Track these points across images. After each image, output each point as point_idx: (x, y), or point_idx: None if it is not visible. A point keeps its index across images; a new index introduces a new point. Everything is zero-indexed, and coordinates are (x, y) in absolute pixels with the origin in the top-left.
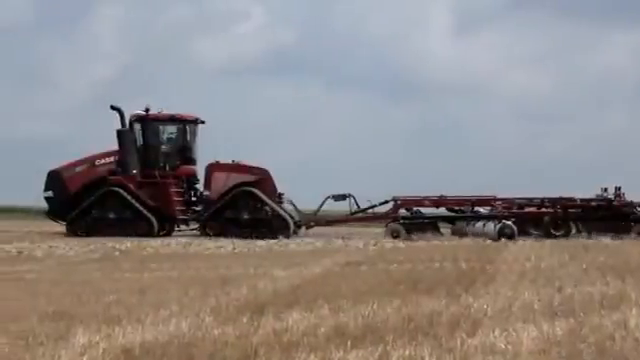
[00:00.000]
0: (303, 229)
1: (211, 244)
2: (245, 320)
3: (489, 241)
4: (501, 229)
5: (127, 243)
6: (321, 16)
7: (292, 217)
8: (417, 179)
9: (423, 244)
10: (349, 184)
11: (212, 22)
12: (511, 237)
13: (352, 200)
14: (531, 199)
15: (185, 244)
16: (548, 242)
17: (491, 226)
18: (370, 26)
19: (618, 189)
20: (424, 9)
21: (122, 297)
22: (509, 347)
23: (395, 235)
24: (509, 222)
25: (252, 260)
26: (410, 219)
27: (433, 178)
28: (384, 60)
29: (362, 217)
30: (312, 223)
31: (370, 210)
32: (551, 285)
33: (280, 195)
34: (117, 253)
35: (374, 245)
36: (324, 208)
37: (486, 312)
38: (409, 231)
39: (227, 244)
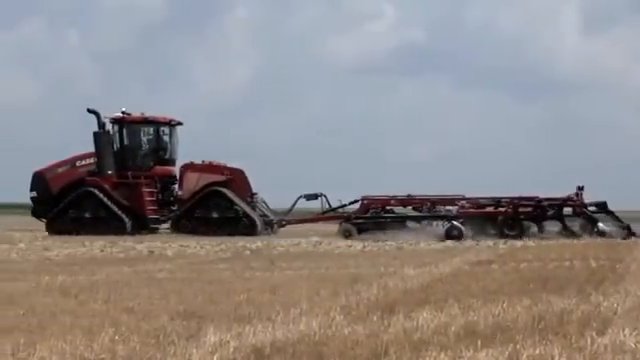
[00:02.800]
0: (275, 227)
1: (341, 243)
2: (375, 319)
3: (619, 239)
4: (448, 230)
5: (257, 242)
6: (451, 15)
7: (267, 216)
8: (545, 175)
9: (552, 243)
10: (477, 181)
11: (345, 21)
12: (459, 238)
13: (324, 199)
14: (495, 199)
15: (315, 243)
16: None
17: (440, 226)
18: (500, 24)
19: (580, 189)
20: (552, 7)
21: (253, 296)
22: (639, 346)
23: (347, 235)
24: (457, 223)
25: (382, 259)
26: (365, 219)
27: (560, 174)
28: (513, 58)
29: (331, 216)
30: (284, 222)
31: (340, 209)
32: None
33: (252, 195)
34: (247, 252)
35: (504, 244)
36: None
37: (616, 311)
38: (361, 231)
39: (357, 243)
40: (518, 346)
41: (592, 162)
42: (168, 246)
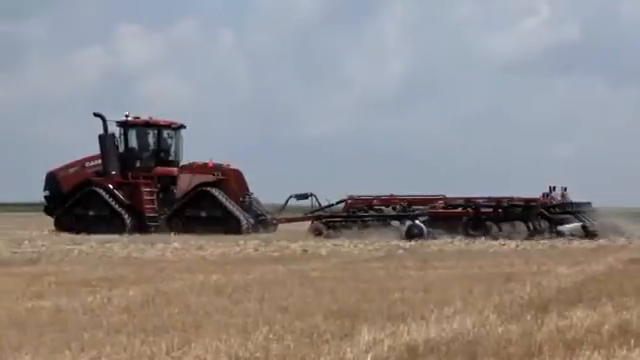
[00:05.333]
0: (270, 226)
1: (495, 242)
2: (529, 318)
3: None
4: (409, 228)
5: (411, 241)
6: (607, 11)
7: (263, 215)
8: None
9: None
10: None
11: (499, 18)
12: (419, 237)
13: (314, 199)
14: (467, 199)
15: (468, 242)
16: None
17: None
18: None
19: (552, 189)
20: None
21: (406, 295)
22: None
23: (317, 233)
24: (418, 222)
25: (535, 257)
26: (335, 218)
27: None
28: None
29: (319, 215)
30: (274, 221)
31: (329, 208)
32: None
33: (245, 195)
34: (400, 251)
35: None
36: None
37: None
38: (330, 229)
39: (510, 242)
40: None
41: None
42: (322, 245)
